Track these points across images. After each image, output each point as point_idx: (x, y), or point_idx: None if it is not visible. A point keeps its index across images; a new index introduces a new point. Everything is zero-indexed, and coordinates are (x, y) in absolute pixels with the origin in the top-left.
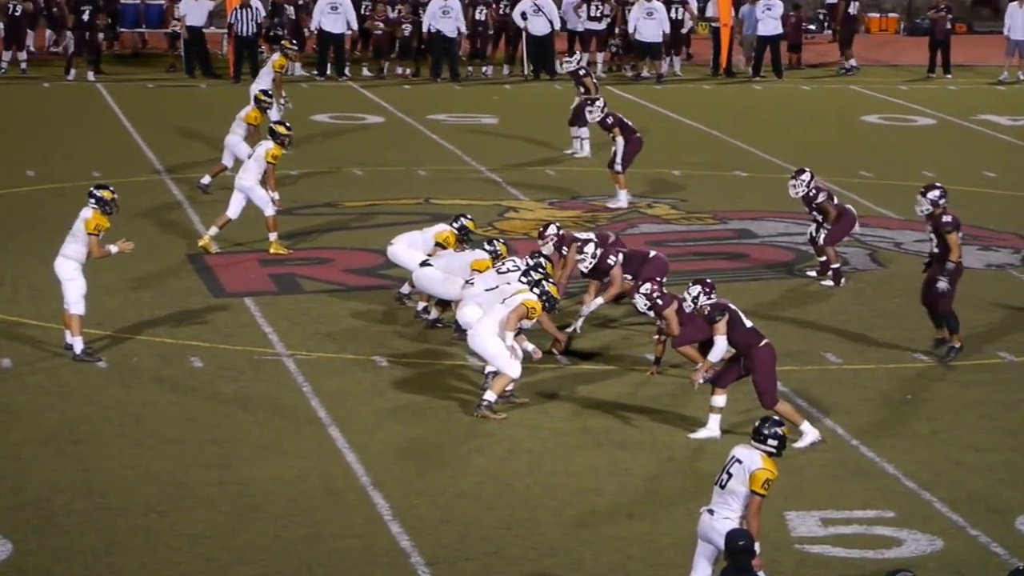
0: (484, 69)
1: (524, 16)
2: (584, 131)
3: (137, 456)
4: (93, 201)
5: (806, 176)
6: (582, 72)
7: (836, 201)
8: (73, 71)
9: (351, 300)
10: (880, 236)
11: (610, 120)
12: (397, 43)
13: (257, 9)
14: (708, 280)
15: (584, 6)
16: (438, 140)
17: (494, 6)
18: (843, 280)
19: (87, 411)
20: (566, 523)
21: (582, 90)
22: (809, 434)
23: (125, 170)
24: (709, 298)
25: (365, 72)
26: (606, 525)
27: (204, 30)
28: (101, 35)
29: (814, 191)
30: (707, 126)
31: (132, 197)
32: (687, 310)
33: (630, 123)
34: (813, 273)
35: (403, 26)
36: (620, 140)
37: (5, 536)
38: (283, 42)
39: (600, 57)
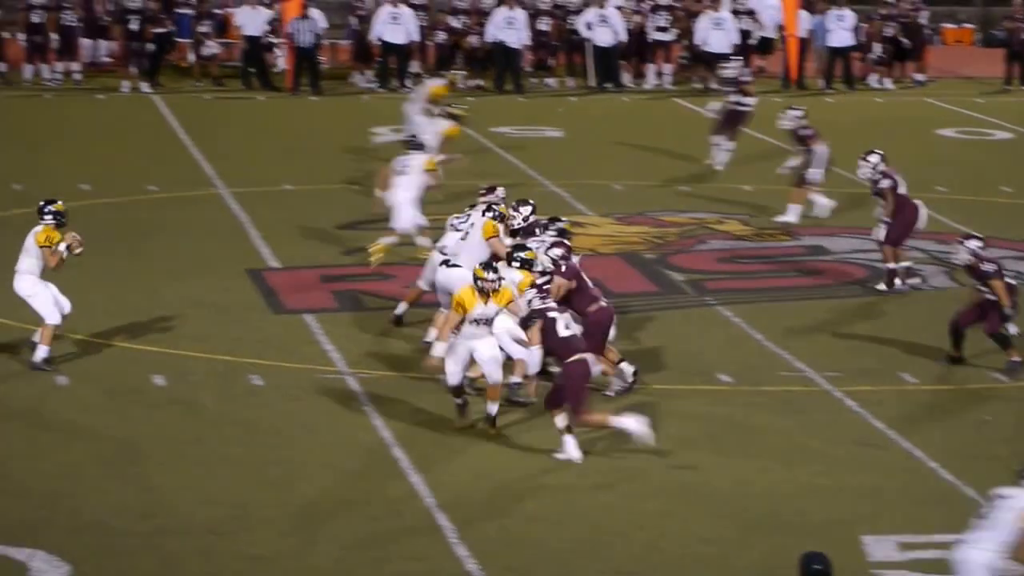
0: (548, 81)
1: (589, 26)
2: (731, 143)
3: (197, 476)
4: (50, 217)
5: (874, 158)
6: (744, 78)
7: (902, 192)
8: (127, 83)
9: (414, 317)
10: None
11: (810, 131)
12: (460, 54)
13: (315, 19)
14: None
15: (651, 16)
16: (501, 153)
17: (559, 17)
18: (898, 283)
19: (146, 430)
20: (636, 546)
21: (743, 98)
22: (634, 428)
23: (181, 184)
24: (543, 302)
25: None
26: (677, 548)
27: (262, 41)
28: (152, 46)
29: (880, 176)
30: (777, 139)
31: (189, 212)
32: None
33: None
34: (882, 286)
35: (468, 37)
36: (817, 149)
37: (63, 559)
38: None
39: (667, 68)
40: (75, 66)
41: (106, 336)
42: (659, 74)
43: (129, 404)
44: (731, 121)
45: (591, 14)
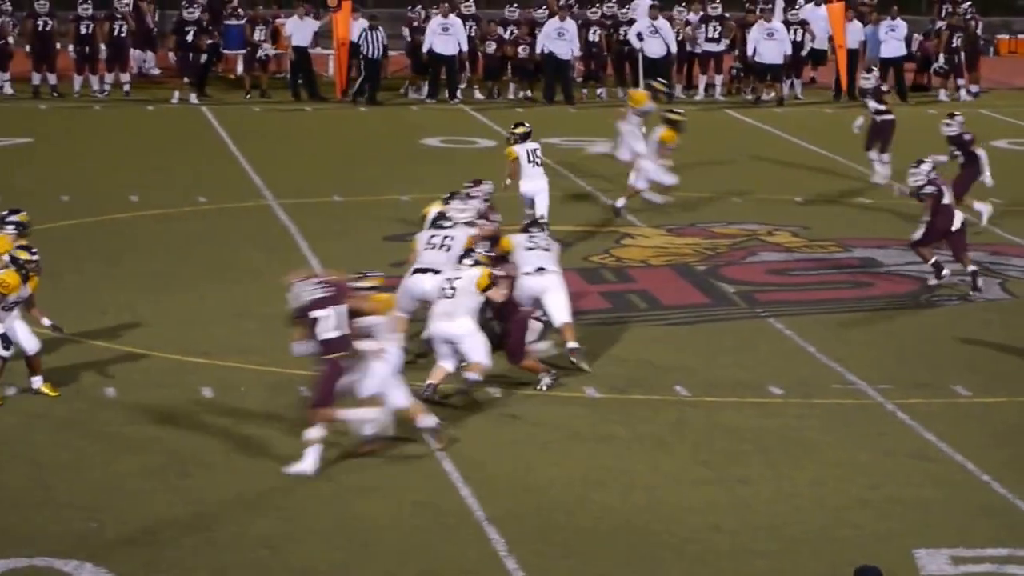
0: (598, 91)
1: (640, 37)
2: (885, 156)
3: (247, 488)
4: (12, 227)
5: (926, 167)
6: (884, 88)
7: (945, 201)
8: (176, 94)
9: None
10: (1011, 265)
11: (971, 135)
12: (510, 64)
13: (382, 31)
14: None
15: (702, 27)
16: (552, 164)
17: (609, 28)
18: (945, 272)
19: (195, 442)
20: (687, 560)
21: (882, 108)
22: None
23: (230, 195)
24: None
25: (476, 95)
26: (728, 562)
27: (310, 51)
28: (204, 57)
29: (927, 183)
30: (830, 151)
31: (237, 222)
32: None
33: None
34: (933, 280)
35: (518, 47)
36: (980, 153)
37: (110, 571)
38: (655, 83)
39: (719, 80)
40: (124, 77)
41: (153, 347)
42: (710, 85)
43: (177, 416)
44: (878, 133)
45: (642, 25)
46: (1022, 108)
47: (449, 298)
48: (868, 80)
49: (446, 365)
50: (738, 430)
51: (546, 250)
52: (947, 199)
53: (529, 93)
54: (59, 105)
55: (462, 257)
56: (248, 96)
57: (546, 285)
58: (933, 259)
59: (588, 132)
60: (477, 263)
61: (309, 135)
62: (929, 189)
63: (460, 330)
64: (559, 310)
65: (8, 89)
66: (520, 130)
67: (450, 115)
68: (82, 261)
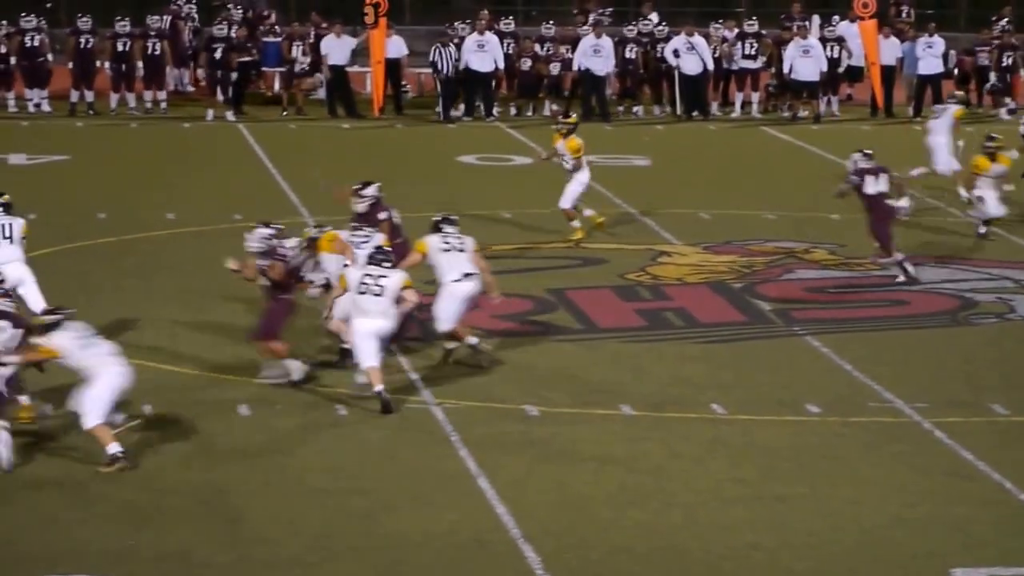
0: (635, 109)
1: (677, 54)
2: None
3: (282, 507)
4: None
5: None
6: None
7: (869, 191)
8: (211, 111)
9: (500, 347)
10: None
11: None
12: (545, 81)
13: (453, 49)
14: None
15: (738, 44)
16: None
17: (645, 45)
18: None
19: (231, 460)
20: None
21: None
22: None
23: (267, 212)
24: None
25: (512, 112)
26: None
27: (347, 69)
28: (235, 74)
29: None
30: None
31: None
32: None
33: None
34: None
35: (552, 64)
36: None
37: None
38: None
39: (755, 97)
40: (161, 95)
41: (189, 364)
42: (746, 103)
43: (214, 434)
44: None
45: (679, 42)
46: None
47: (378, 295)
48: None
49: (375, 362)
50: (775, 448)
51: (461, 251)
52: (871, 189)
53: (564, 111)
54: (96, 123)
55: (379, 257)
56: (285, 113)
57: (472, 291)
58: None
59: (624, 150)
60: (393, 264)
61: (345, 153)
62: (854, 180)
63: (384, 327)
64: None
65: (46, 107)
66: (572, 119)
67: (486, 132)
68: (120, 278)
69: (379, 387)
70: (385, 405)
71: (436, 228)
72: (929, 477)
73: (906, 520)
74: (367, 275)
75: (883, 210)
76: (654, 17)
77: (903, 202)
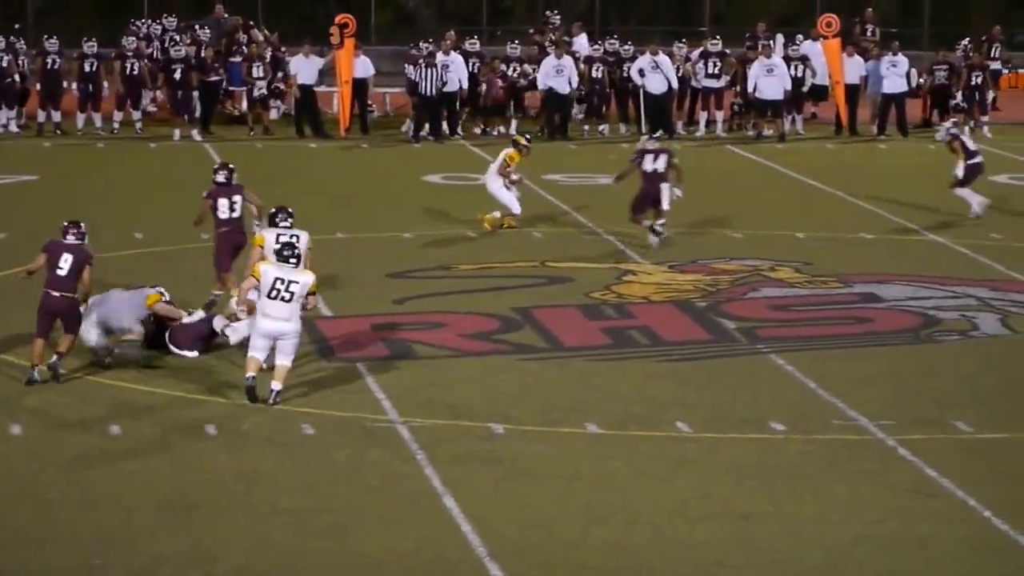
0: (600, 128)
1: (642, 73)
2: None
3: (249, 525)
4: None
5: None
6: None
7: (647, 168)
8: (177, 131)
9: (465, 365)
10: (1012, 300)
11: None
12: (512, 102)
13: (439, 68)
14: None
15: (702, 63)
16: (553, 200)
17: (611, 65)
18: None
19: (199, 478)
20: None
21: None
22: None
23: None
24: None
25: (476, 131)
26: None
27: (315, 88)
28: (195, 93)
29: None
30: (831, 186)
31: (241, 260)
32: None
33: None
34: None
35: (517, 84)
36: None
37: None
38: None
39: (719, 116)
40: (137, 115)
41: (157, 384)
42: (711, 121)
43: (181, 453)
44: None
45: (643, 61)
46: (1021, 143)
47: (287, 301)
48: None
49: (259, 356)
50: (740, 466)
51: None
52: (648, 167)
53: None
54: (63, 143)
55: (288, 258)
56: (252, 133)
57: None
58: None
59: (589, 168)
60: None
61: (312, 172)
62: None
63: (291, 329)
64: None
65: (14, 127)
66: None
67: (451, 151)
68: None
69: (250, 375)
70: (250, 392)
71: (272, 220)
72: (893, 495)
73: (870, 538)
74: (279, 278)
75: (654, 186)
76: (583, 39)
77: (676, 190)
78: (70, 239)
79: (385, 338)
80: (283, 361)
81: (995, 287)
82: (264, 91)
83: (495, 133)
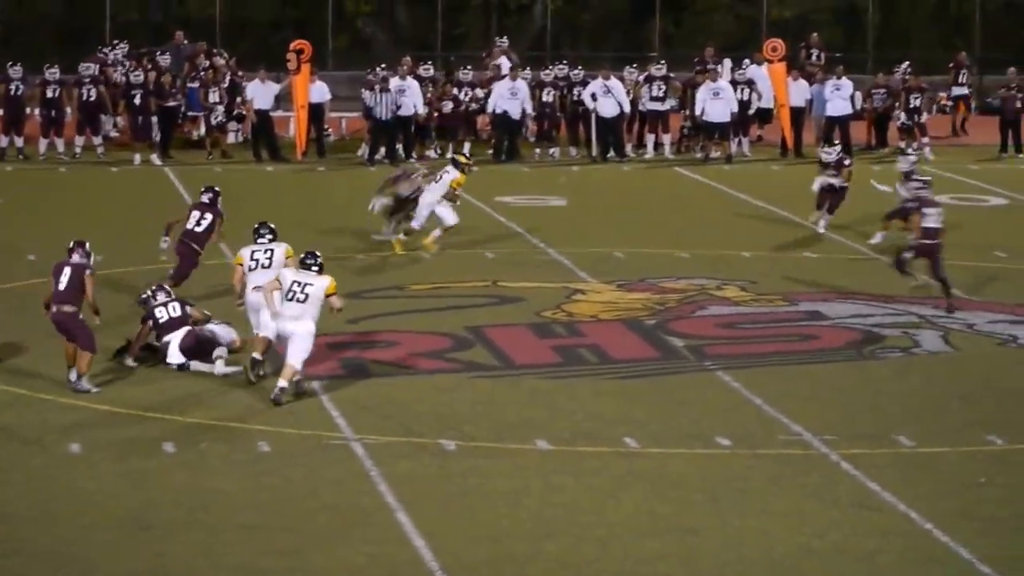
0: (551, 151)
1: (594, 97)
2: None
3: (207, 542)
4: None
5: None
6: (846, 162)
7: None
8: (138, 156)
9: (418, 383)
10: (952, 318)
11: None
12: (465, 124)
13: (394, 93)
14: None
15: (646, 87)
16: (505, 222)
17: (562, 89)
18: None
19: (156, 497)
20: None
21: (839, 182)
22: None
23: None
24: None
25: (434, 154)
26: None
27: (271, 113)
28: (155, 118)
29: None
30: (777, 207)
31: (198, 281)
32: None
33: None
34: None
35: (470, 108)
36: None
37: None
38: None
39: (667, 138)
40: (98, 139)
41: (116, 402)
42: (658, 144)
43: (139, 471)
44: (833, 197)
45: (596, 85)
46: (962, 164)
47: (301, 302)
48: (829, 155)
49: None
50: (686, 481)
51: (267, 267)
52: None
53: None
54: (25, 167)
55: (309, 264)
56: (210, 157)
57: (261, 303)
58: None
59: (541, 190)
60: (322, 269)
61: (269, 195)
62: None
63: (302, 330)
64: (266, 326)
65: None
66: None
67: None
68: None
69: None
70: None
71: (256, 233)
72: (837, 508)
73: (814, 551)
74: (296, 281)
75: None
76: (504, 60)
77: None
78: (75, 258)
79: (340, 357)
80: (290, 361)
81: (937, 305)
82: (222, 117)
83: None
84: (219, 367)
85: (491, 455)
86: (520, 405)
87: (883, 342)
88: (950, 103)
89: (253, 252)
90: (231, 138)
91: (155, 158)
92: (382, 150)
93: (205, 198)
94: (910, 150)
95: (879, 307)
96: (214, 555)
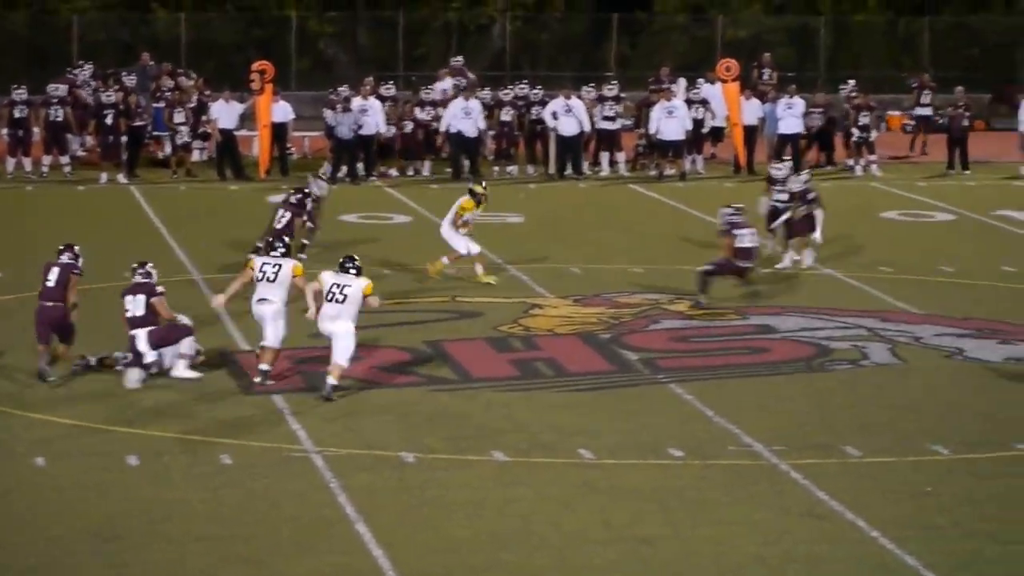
0: (509, 169)
1: (555, 116)
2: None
3: (170, 553)
4: None
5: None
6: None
7: None
8: (104, 175)
9: (379, 396)
10: (900, 331)
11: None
12: (425, 144)
13: (356, 113)
14: None
15: (599, 106)
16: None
17: (520, 108)
18: None
19: (120, 508)
20: None
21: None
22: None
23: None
24: None
25: (394, 173)
26: None
27: (235, 132)
28: (124, 138)
29: None
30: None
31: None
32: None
33: None
34: None
35: (431, 127)
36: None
37: None
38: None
39: (621, 156)
40: (65, 159)
41: (81, 417)
42: (613, 162)
43: (103, 483)
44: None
45: (557, 104)
46: (911, 181)
47: (340, 303)
48: (780, 170)
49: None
50: (640, 491)
51: (272, 281)
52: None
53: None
54: None
55: (348, 267)
56: (175, 175)
57: (264, 313)
58: None
59: (499, 208)
60: (360, 272)
61: (233, 213)
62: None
63: (340, 329)
64: (272, 336)
65: None
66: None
67: (367, 192)
68: (19, 333)
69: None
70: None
71: (268, 246)
72: (786, 517)
73: (764, 559)
74: (335, 283)
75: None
76: (447, 82)
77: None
78: (63, 259)
79: (302, 371)
80: (337, 359)
81: (885, 318)
82: (186, 137)
83: (410, 173)
84: (179, 370)
85: (449, 467)
86: (478, 417)
87: (832, 355)
88: (912, 123)
89: (263, 264)
90: (196, 156)
91: (121, 177)
92: (344, 168)
93: (293, 199)
94: (854, 163)
95: (829, 320)
96: (177, 565)
